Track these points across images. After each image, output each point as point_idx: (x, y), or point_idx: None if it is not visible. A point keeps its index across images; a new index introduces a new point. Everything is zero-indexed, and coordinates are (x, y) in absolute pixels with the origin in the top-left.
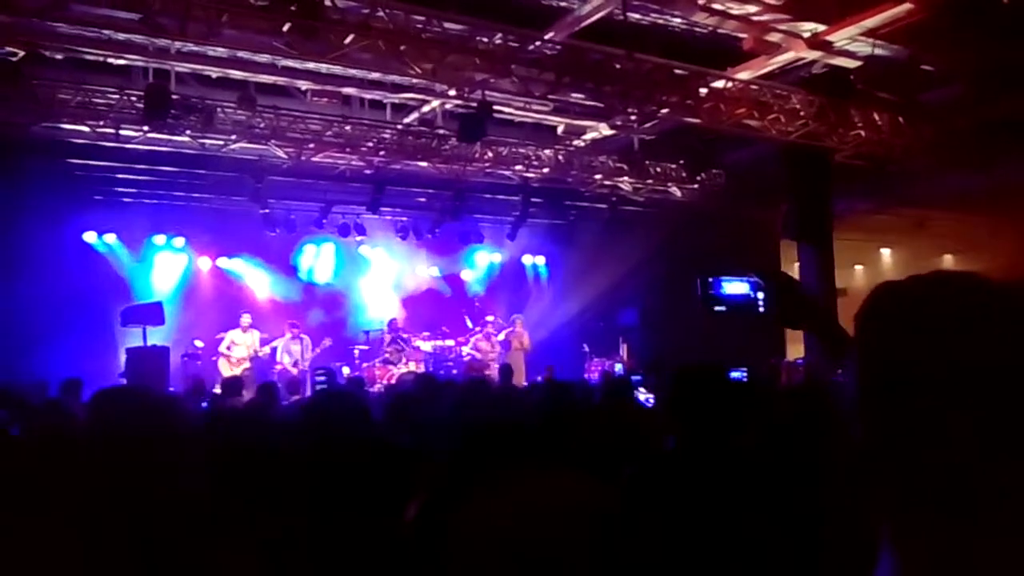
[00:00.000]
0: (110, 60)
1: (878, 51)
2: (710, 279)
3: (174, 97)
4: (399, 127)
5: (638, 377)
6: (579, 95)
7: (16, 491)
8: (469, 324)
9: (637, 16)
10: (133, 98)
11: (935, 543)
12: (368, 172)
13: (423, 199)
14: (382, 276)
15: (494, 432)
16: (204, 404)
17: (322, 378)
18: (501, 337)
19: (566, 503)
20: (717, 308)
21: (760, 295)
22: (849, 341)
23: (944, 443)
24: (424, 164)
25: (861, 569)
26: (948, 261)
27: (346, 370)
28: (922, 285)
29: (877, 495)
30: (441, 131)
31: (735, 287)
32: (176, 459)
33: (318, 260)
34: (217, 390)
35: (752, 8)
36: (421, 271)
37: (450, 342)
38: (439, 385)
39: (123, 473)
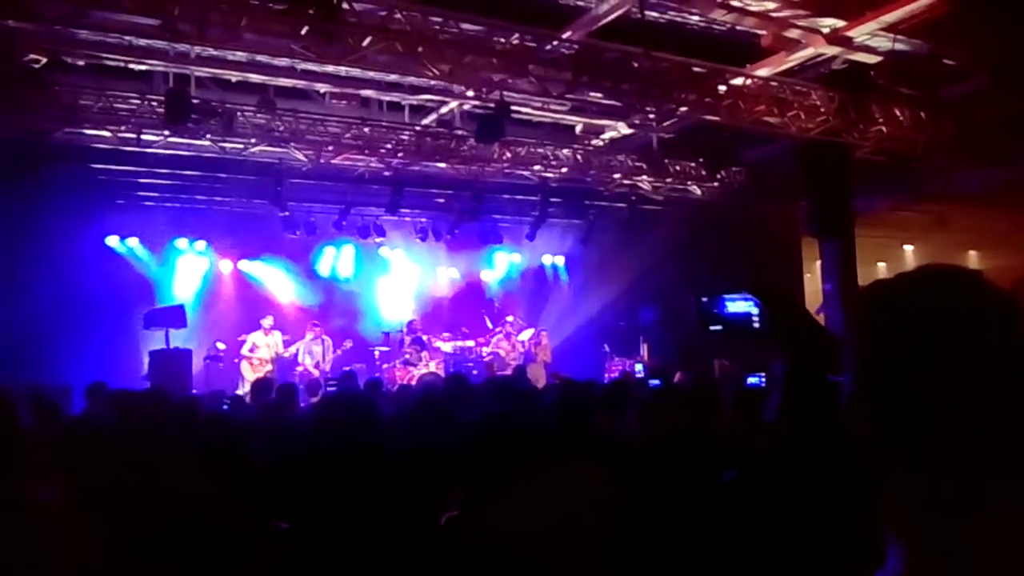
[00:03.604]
0: (131, 65)
1: (898, 46)
2: (704, 299)
3: (194, 101)
4: (417, 128)
5: (657, 382)
6: (597, 94)
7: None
8: (489, 324)
9: (655, 14)
10: (154, 103)
11: (940, 541)
12: (387, 174)
13: (442, 200)
14: (401, 277)
15: (517, 428)
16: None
17: (332, 387)
18: (522, 337)
19: (585, 493)
20: (713, 327)
21: (754, 311)
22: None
23: (945, 441)
24: (443, 165)
25: (868, 569)
26: (971, 257)
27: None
28: (914, 281)
29: (881, 494)
30: (459, 132)
31: (737, 306)
32: (193, 464)
33: (338, 262)
34: (242, 391)
35: (771, 4)
36: (440, 272)
37: (470, 343)
38: (469, 386)
39: (143, 476)
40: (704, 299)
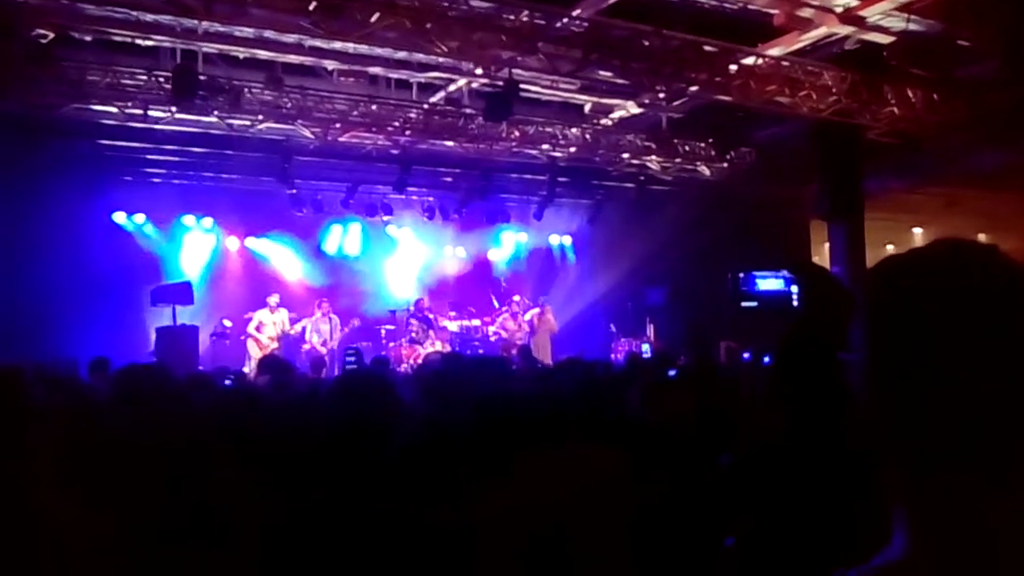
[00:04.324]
0: (138, 41)
1: (912, 26)
2: (740, 275)
3: (202, 78)
4: (425, 106)
5: (673, 372)
6: (607, 73)
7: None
8: (495, 304)
9: None
10: (161, 79)
11: (948, 520)
12: (394, 152)
13: (449, 179)
14: (408, 256)
15: (520, 409)
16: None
17: (352, 358)
18: (528, 317)
19: (592, 475)
20: (746, 304)
21: (794, 289)
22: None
23: (957, 418)
24: (450, 143)
25: (874, 547)
26: (981, 240)
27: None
28: (926, 256)
29: (889, 470)
30: (468, 110)
31: (769, 283)
32: (194, 439)
33: (345, 240)
34: (247, 369)
35: None
36: (447, 251)
37: (476, 322)
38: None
39: (141, 452)
40: (741, 275)
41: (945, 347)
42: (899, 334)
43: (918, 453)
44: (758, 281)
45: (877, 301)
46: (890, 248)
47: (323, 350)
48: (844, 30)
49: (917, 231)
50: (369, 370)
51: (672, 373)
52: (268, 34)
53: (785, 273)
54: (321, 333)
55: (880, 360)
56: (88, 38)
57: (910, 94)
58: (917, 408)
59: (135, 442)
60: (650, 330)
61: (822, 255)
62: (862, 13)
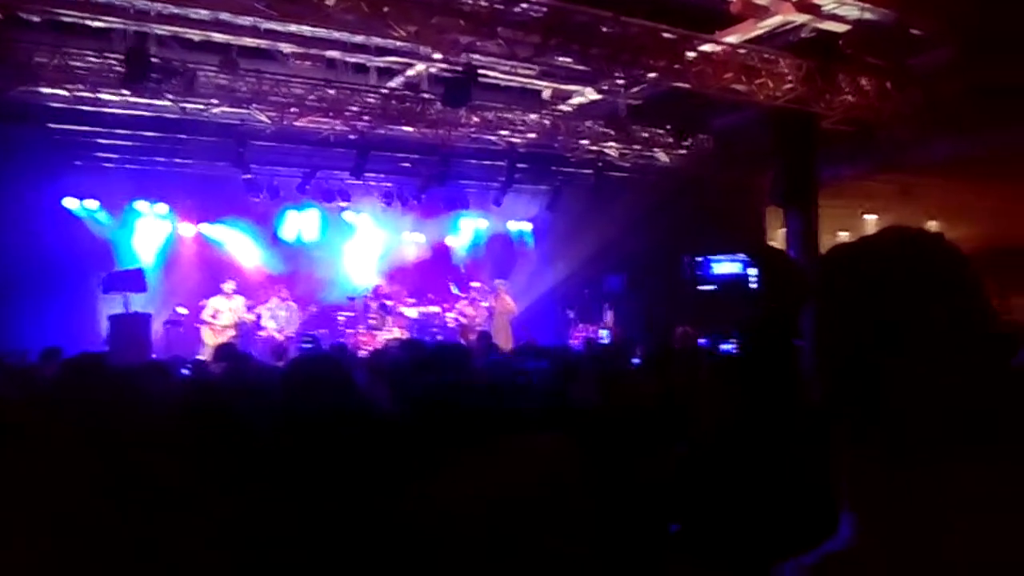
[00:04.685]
0: (89, 23)
1: (867, 15)
2: (698, 258)
3: (154, 60)
4: (383, 91)
5: (638, 360)
6: (566, 59)
7: None
8: (454, 290)
9: None
10: (113, 61)
11: (892, 508)
12: (352, 137)
13: (408, 164)
14: (366, 242)
15: (476, 397)
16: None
17: (308, 346)
18: (486, 304)
19: (545, 467)
20: (703, 287)
21: (752, 272)
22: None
23: (902, 406)
24: (409, 129)
25: (823, 533)
26: (933, 228)
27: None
28: (875, 245)
29: (838, 458)
30: (426, 95)
31: (725, 267)
32: (143, 430)
33: (302, 226)
34: (202, 357)
35: None
36: (406, 237)
37: (435, 308)
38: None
39: (89, 443)
40: (698, 259)
41: (893, 335)
42: (849, 321)
43: (867, 442)
44: (714, 265)
45: (827, 288)
46: (844, 235)
47: (280, 337)
48: (800, 18)
49: (870, 218)
50: (324, 353)
51: (636, 362)
52: (223, 16)
53: (742, 256)
54: (278, 320)
55: (830, 347)
56: (37, 19)
57: (864, 82)
58: (865, 396)
59: (88, 433)
60: (608, 316)
61: (778, 241)
62: (817, 1)
